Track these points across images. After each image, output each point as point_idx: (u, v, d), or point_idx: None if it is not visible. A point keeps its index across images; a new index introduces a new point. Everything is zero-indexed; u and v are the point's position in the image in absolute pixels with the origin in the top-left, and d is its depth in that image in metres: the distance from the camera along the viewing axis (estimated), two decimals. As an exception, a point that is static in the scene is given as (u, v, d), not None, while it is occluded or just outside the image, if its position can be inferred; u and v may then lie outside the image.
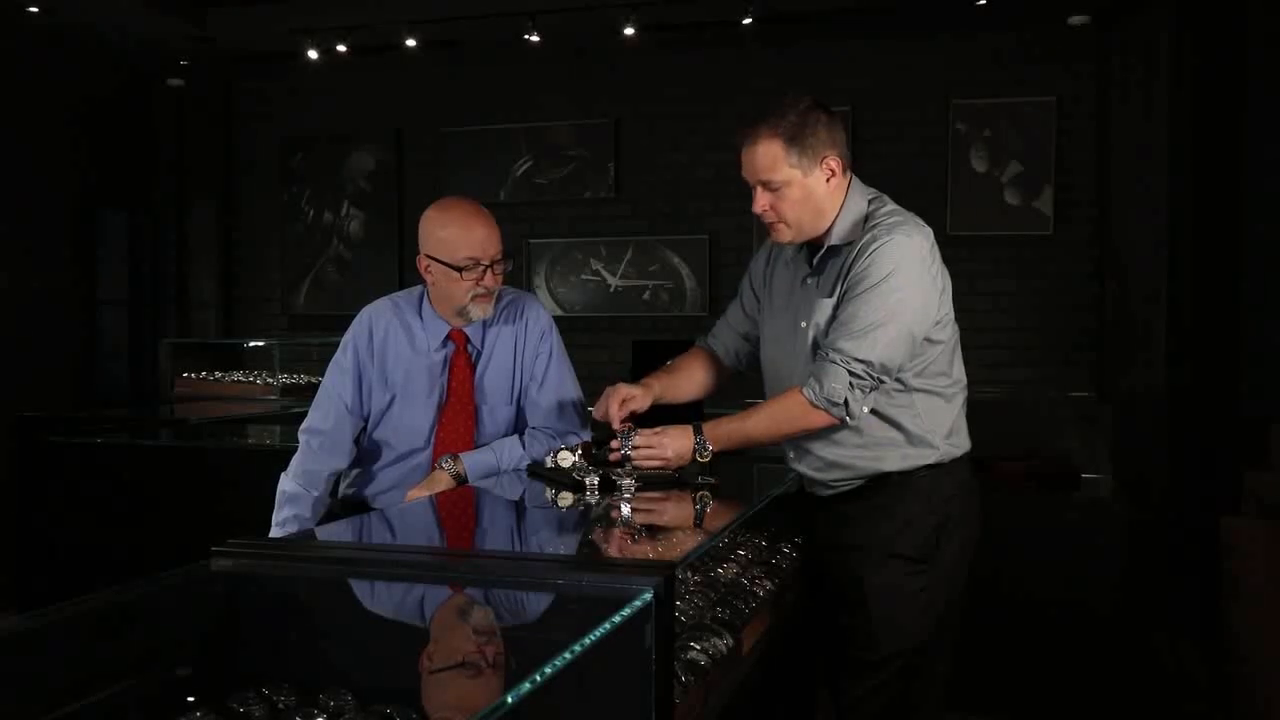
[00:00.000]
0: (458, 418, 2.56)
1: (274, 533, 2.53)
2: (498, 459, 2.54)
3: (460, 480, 2.48)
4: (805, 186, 2.27)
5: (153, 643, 1.59)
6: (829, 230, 2.33)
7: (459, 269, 2.45)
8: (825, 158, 2.28)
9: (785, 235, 2.34)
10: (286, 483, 2.57)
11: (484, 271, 2.47)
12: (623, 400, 2.42)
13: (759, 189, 2.30)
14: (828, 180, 2.29)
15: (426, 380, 2.56)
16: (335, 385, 2.59)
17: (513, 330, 2.63)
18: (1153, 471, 4.83)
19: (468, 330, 2.58)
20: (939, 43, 5.89)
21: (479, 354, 2.60)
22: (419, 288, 2.65)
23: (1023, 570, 3.70)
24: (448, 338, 2.58)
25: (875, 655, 2.29)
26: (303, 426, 2.62)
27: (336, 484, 2.68)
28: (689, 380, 2.62)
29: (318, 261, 7.00)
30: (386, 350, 2.57)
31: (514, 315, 2.65)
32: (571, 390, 2.68)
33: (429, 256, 2.49)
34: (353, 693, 1.35)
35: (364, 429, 2.63)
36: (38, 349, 6.24)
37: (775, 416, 2.30)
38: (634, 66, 6.33)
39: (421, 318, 2.59)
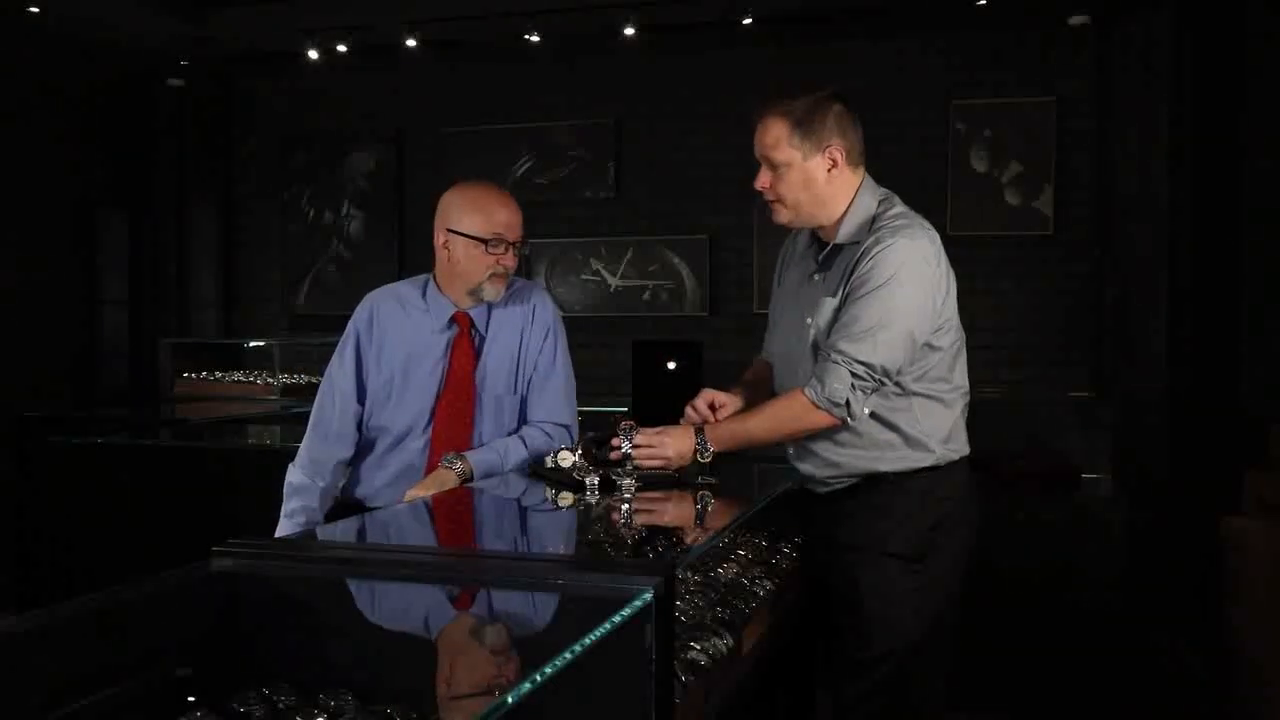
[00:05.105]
0: (457, 401, 2.56)
1: (282, 524, 2.54)
2: (501, 459, 2.54)
3: (465, 479, 2.48)
4: (805, 171, 2.30)
5: (153, 643, 1.59)
6: (837, 228, 2.34)
7: (485, 241, 2.49)
8: (829, 147, 2.30)
9: (783, 215, 2.38)
10: (294, 474, 2.59)
11: (506, 249, 2.51)
12: (711, 402, 2.43)
13: (763, 166, 2.34)
14: (828, 170, 2.31)
15: (428, 362, 2.56)
16: (335, 372, 2.62)
17: (519, 316, 2.63)
18: (1153, 471, 4.82)
19: (472, 313, 2.59)
20: (939, 43, 5.89)
21: (482, 339, 2.60)
22: (423, 276, 2.67)
23: (1023, 570, 3.70)
24: (453, 319, 2.59)
25: (868, 654, 2.29)
26: (311, 417, 2.64)
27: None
28: (767, 388, 2.57)
29: (318, 261, 7.00)
30: (387, 332, 2.59)
31: (521, 301, 2.65)
32: (570, 388, 2.68)
33: (452, 231, 2.52)
34: (353, 693, 1.35)
35: (364, 417, 2.62)
36: (38, 349, 6.23)
37: (777, 417, 2.31)
38: (634, 66, 6.33)
39: (426, 300, 2.60)
